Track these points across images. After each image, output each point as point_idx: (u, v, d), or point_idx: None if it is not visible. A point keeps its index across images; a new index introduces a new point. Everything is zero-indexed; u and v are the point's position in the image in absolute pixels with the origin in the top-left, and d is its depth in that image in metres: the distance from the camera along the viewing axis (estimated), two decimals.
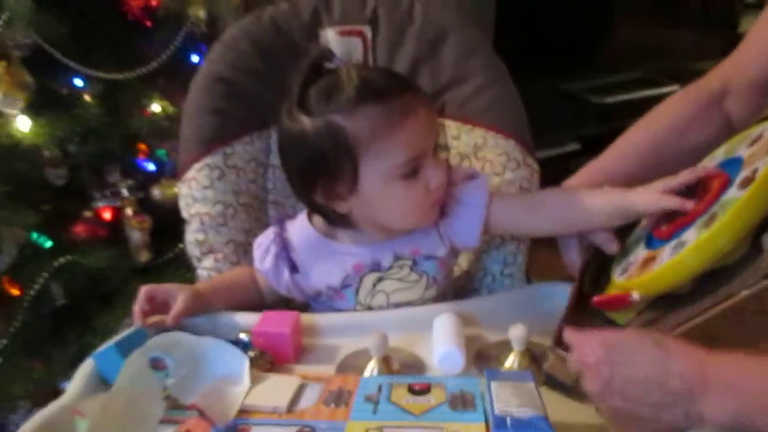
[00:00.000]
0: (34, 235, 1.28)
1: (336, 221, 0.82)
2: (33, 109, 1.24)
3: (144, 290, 0.77)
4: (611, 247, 0.77)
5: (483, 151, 0.98)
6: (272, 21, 1.00)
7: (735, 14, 3.17)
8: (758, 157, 0.61)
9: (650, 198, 0.71)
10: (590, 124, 2.70)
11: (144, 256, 1.29)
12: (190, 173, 0.94)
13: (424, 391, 0.65)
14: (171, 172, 1.40)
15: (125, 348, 0.70)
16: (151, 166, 1.40)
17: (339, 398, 0.64)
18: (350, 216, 0.80)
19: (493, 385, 0.58)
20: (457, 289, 0.99)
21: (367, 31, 1.02)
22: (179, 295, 0.77)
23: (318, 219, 0.85)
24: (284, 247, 0.83)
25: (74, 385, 0.70)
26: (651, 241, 0.70)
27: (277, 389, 0.65)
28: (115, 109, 1.32)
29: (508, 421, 0.50)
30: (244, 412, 0.62)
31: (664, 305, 0.68)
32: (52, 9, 1.21)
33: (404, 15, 1.01)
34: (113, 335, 1.15)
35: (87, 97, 1.30)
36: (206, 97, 0.96)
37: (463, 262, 0.99)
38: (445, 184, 0.78)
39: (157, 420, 0.60)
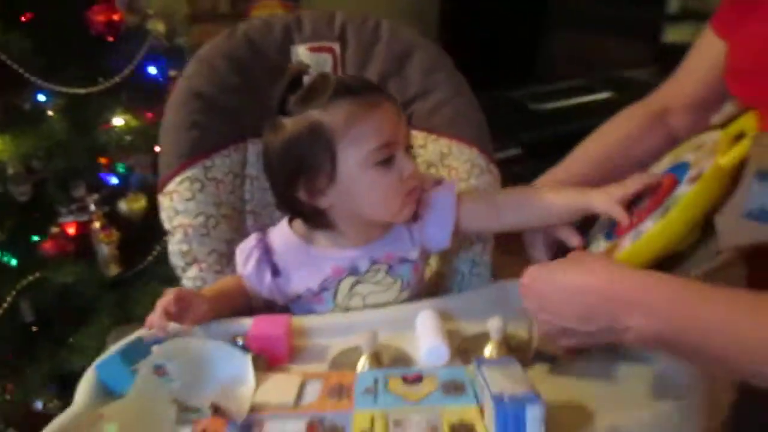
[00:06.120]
0: (6, 256, 1.27)
1: (317, 221, 0.87)
2: None
3: (174, 291, 0.79)
4: (573, 240, 0.85)
5: (448, 159, 1.05)
6: (246, 37, 1.04)
7: (659, 25, 3.37)
8: (703, 160, 0.70)
9: (606, 205, 0.79)
10: (530, 129, 2.84)
11: (113, 270, 1.30)
12: (171, 186, 0.97)
13: (417, 380, 0.70)
14: (136, 185, 1.41)
15: (129, 357, 0.73)
16: (114, 180, 1.40)
17: (340, 392, 0.69)
18: (330, 213, 0.85)
19: (485, 370, 0.64)
20: (429, 288, 1.05)
21: (337, 47, 1.07)
22: (204, 302, 0.81)
23: (298, 224, 0.90)
24: (266, 251, 0.88)
25: (81, 395, 0.72)
26: (611, 236, 0.78)
27: (280, 387, 0.70)
28: (78, 123, 1.33)
29: (505, 397, 0.57)
30: (254, 409, 0.66)
31: None
32: (17, 25, 1.22)
33: (371, 32, 1.07)
34: (88, 351, 1.17)
35: (50, 113, 1.29)
36: (184, 112, 0.99)
37: (433, 263, 1.06)
38: (416, 174, 0.84)
39: (172, 422, 0.64)
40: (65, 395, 1.30)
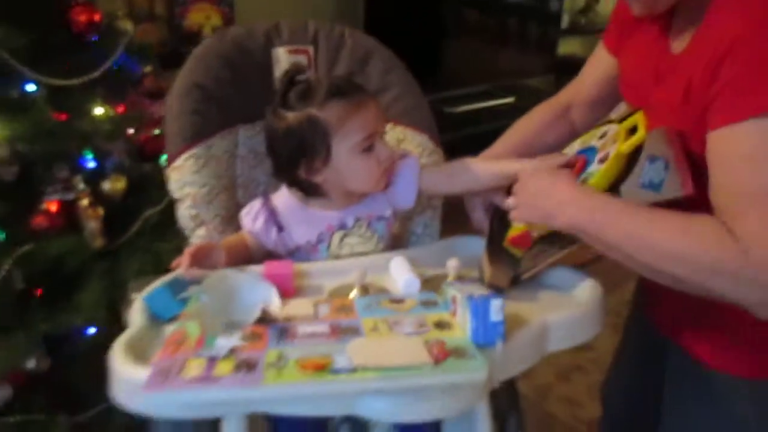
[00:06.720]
0: None
1: (312, 191, 1.08)
2: None
3: (198, 243, 1.01)
4: (506, 203, 1.12)
5: (404, 143, 1.29)
6: (234, 40, 1.24)
7: (553, 39, 3.79)
8: (607, 146, 0.98)
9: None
10: (445, 130, 3.13)
11: (99, 243, 1.44)
12: (178, 162, 1.15)
13: (401, 301, 0.94)
14: (112, 168, 1.56)
15: (173, 289, 0.92)
16: (92, 164, 1.54)
17: (346, 309, 0.91)
18: (323, 186, 1.07)
19: (456, 284, 0.89)
20: (391, 246, 1.29)
21: (310, 50, 1.30)
22: (222, 251, 1.01)
23: (295, 191, 1.11)
24: (272, 212, 1.09)
25: (136, 319, 0.90)
26: None
27: (299, 307, 0.92)
28: (61, 112, 1.47)
29: (476, 295, 0.82)
30: (285, 319, 0.87)
31: (545, 242, 1.04)
32: (8, 20, 1.35)
33: (338, 38, 1.30)
34: (84, 312, 1.34)
35: (37, 102, 1.42)
36: (187, 100, 1.18)
37: (394, 226, 1.30)
38: (391, 157, 1.07)
39: (223, 326, 0.84)
40: (56, 354, 1.43)
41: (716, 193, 0.81)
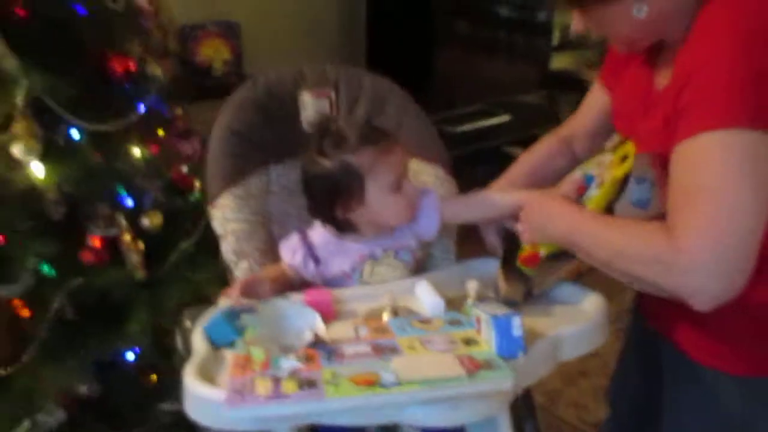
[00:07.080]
0: (45, 267, 1.51)
1: (346, 228, 1.21)
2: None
3: (249, 276, 1.16)
4: (517, 227, 1.24)
5: (420, 175, 1.42)
6: (266, 87, 1.37)
7: (545, 54, 3.91)
8: (603, 173, 1.11)
9: None
10: (448, 149, 3.26)
11: (140, 274, 1.56)
12: (221, 201, 1.28)
13: (429, 322, 1.07)
14: (150, 205, 1.68)
15: (229, 318, 1.04)
16: (130, 201, 1.67)
17: (382, 330, 1.04)
18: (356, 222, 1.20)
19: (479, 305, 1.02)
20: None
21: (332, 94, 1.43)
22: (267, 283, 1.13)
23: (329, 226, 1.23)
24: (309, 246, 1.21)
25: (199, 347, 1.01)
26: None
27: (341, 330, 1.04)
28: (102, 154, 1.60)
29: (499, 314, 0.94)
30: (331, 341, 1.00)
31: (552, 259, 1.17)
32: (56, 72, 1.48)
33: (356, 84, 1.44)
34: (133, 339, 1.47)
35: (81, 146, 1.55)
36: (226, 145, 1.31)
37: (417, 253, 1.42)
38: (417, 193, 1.21)
39: (278, 348, 0.96)
40: (106, 380, 1.55)
41: (669, 196, 0.95)
